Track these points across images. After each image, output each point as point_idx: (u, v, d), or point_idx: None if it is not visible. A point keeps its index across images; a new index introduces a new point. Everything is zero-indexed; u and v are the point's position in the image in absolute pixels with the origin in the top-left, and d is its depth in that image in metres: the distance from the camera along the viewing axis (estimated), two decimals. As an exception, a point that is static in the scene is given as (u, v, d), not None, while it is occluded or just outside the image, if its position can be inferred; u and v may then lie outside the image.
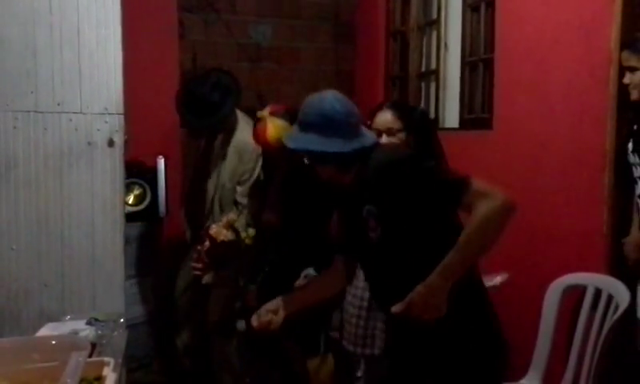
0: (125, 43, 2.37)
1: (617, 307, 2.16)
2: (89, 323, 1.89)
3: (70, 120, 2.33)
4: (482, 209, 1.53)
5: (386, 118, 2.26)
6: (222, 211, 2.85)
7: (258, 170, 2.83)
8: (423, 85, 3.68)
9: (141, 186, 3.25)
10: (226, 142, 2.87)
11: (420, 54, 3.67)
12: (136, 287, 3.21)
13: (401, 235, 1.64)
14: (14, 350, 1.44)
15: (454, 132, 3.23)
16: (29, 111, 2.30)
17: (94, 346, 1.66)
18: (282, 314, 1.82)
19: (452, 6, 3.40)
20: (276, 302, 1.84)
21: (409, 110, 2.39)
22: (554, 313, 2.39)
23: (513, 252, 2.59)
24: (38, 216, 2.33)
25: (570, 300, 2.40)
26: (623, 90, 2.23)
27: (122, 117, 2.38)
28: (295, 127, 1.76)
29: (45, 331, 1.83)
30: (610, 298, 2.22)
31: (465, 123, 3.18)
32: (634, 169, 2.25)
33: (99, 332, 1.82)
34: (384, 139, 2.12)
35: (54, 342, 1.51)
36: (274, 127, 2.56)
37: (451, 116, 3.40)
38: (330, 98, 1.70)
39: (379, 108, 2.36)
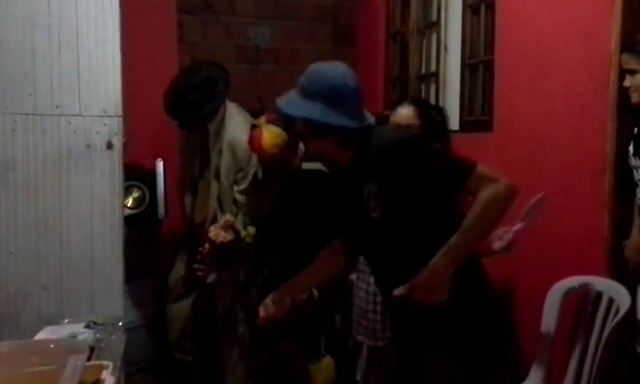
0: (123, 45, 2.37)
1: (617, 310, 2.15)
2: (87, 327, 1.89)
3: (69, 122, 2.33)
4: (486, 192, 1.55)
5: (407, 112, 2.29)
6: (222, 210, 2.84)
7: (253, 168, 2.81)
8: (423, 87, 3.67)
9: (140, 188, 3.24)
10: (218, 136, 2.86)
11: (420, 56, 3.66)
12: (135, 290, 3.19)
13: (401, 216, 1.64)
14: (12, 354, 1.44)
15: (454, 134, 3.19)
16: (27, 114, 2.29)
17: (92, 349, 1.66)
18: (287, 301, 1.84)
19: (452, 7, 3.40)
20: (280, 291, 1.86)
21: (429, 108, 2.40)
22: (555, 316, 2.38)
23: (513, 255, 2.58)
24: (36, 219, 2.33)
25: (571, 303, 2.39)
26: (623, 93, 2.23)
27: (120, 119, 2.38)
28: (294, 92, 1.69)
29: (43, 335, 1.82)
30: (611, 300, 2.21)
31: (465, 125, 3.17)
32: (634, 172, 2.24)
33: (98, 335, 1.82)
34: None
35: (52, 346, 1.51)
36: (270, 135, 2.56)
37: (451, 118, 3.38)
38: (341, 70, 1.66)
39: (400, 101, 2.38)
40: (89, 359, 1.51)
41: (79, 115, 2.34)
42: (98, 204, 2.37)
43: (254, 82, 3.79)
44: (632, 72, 2.16)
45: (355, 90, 1.66)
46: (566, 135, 2.52)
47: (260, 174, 2.84)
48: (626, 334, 2.20)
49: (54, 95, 2.31)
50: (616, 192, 2.34)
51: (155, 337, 3.26)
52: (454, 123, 3.34)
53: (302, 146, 2.53)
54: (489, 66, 2.99)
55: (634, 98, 2.17)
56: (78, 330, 1.86)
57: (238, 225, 2.68)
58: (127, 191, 3.09)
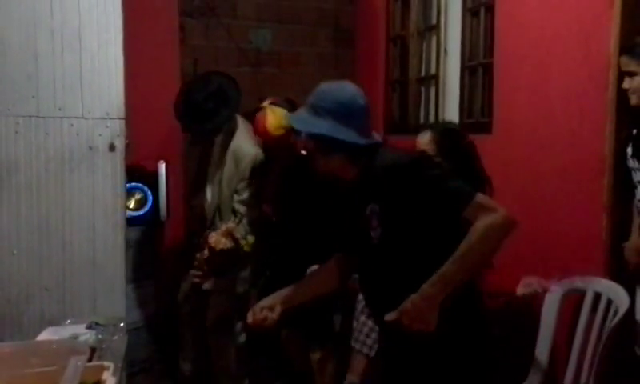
0: (126, 48, 2.38)
1: (616, 311, 2.16)
2: (89, 327, 1.90)
3: (72, 125, 2.34)
4: (483, 223, 1.53)
5: (423, 139, 2.39)
6: (221, 218, 2.84)
7: (255, 180, 2.82)
8: (423, 89, 3.69)
9: (142, 190, 3.25)
10: (224, 147, 2.87)
11: (420, 59, 3.68)
12: (137, 291, 3.21)
13: (400, 237, 1.64)
14: (14, 355, 1.45)
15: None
16: (30, 116, 2.31)
17: (93, 350, 1.67)
18: (278, 310, 1.80)
19: (452, 10, 3.41)
20: (272, 299, 1.83)
21: (443, 134, 2.41)
22: (554, 317, 2.39)
23: (513, 257, 2.59)
24: (39, 221, 2.34)
25: (570, 304, 2.40)
26: (622, 95, 2.23)
27: (123, 121, 2.39)
28: (304, 110, 1.72)
29: (45, 335, 1.83)
30: (610, 302, 2.22)
31: (464, 128, 3.18)
32: (633, 173, 2.25)
33: (99, 336, 1.83)
34: None
35: (53, 347, 1.52)
36: (274, 115, 2.59)
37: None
38: (350, 88, 1.70)
39: (424, 126, 2.42)
40: (90, 360, 1.52)
41: (82, 117, 2.35)
42: (100, 206, 2.38)
43: (255, 84, 3.81)
44: (631, 74, 2.17)
45: (364, 107, 1.68)
46: (565, 137, 2.53)
47: (259, 183, 2.84)
48: (625, 336, 2.21)
49: (56, 97, 2.32)
50: (615, 194, 2.34)
51: (157, 338, 3.28)
52: (453, 125, 3.35)
53: None
54: (488, 69, 3.00)
55: (633, 100, 2.18)
56: (79, 331, 1.87)
57: (238, 233, 2.69)
58: (129, 193, 3.10)
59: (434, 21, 3.54)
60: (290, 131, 2.54)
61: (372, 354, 2.52)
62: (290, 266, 2.70)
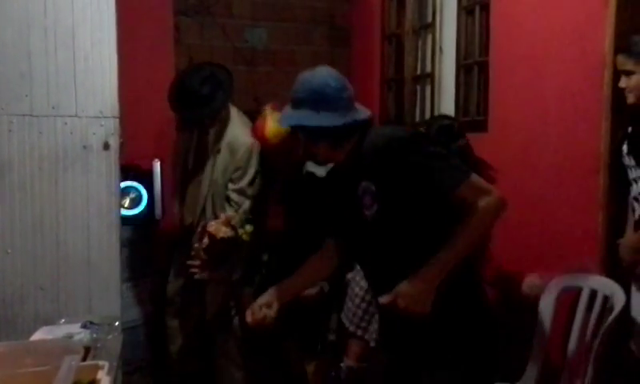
0: (120, 46, 2.37)
1: (612, 308, 2.16)
2: (84, 326, 1.89)
3: (65, 123, 2.33)
4: (477, 205, 1.55)
5: None
6: (215, 208, 2.84)
7: (252, 168, 2.81)
8: (418, 88, 3.68)
9: (136, 189, 3.25)
10: (219, 137, 2.86)
11: (415, 57, 3.68)
12: (133, 290, 3.20)
13: (397, 214, 1.63)
14: (7, 355, 1.44)
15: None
16: (24, 115, 2.30)
17: (88, 349, 1.66)
18: (275, 306, 1.80)
19: (447, 9, 3.41)
20: (268, 295, 1.82)
21: (438, 131, 2.40)
22: (550, 314, 2.39)
23: (508, 254, 2.59)
24: (33, 220, 2.33)
25: (566, 301, 2.41)
26: (618, 93, 2.24)
27: (117, 120, 2.38)
28: (287, 107, 1.74)
29: (39, 335, 1.82)
30: (606, 299, 2.22)
31: (460, 126, 3.18)
32: (628, 171, 2.25)
33: (94, 335, 1.82)
34: None
35: (47, 346, 1.51)
36: (274, 122, 2.58)
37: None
38: (321, 73, 1.69)
39: (420, 124, 2.41)
40: (85, 359, 1.52)
41: (75, 116, 2.34)
42: (94, 205, 2.37)
43: (250, 83, 3.80)
44: (628, 73, 2.17)
45: (339, 88, 1.66)
46: (561, 135, 2.53)
47: (259, 175, 2.83)
48: (621, 332, 2.21)
49: (50, 96, 2.31)
50: (610, 191, 2.35)
51: (153, 337, 3.27)
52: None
53: None
54: (484, 67, 3.01)
55: (630, 99, 2.18)
56: (74, 330, 1.86)
57: (236, 222, 2.69)
58: (124, 192, 3.09)
59: (429, 19, 3.54)
60: (288, 138, 2.55)
61: (372, 343, 2.52)
62: (287, 263, 2.70)
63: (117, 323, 1.96)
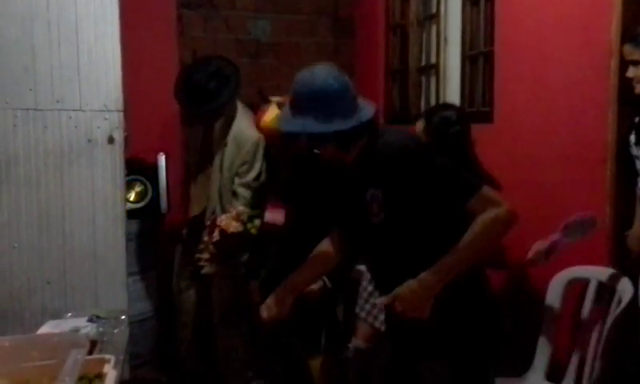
0: (123, 40, 2.37)
1: (620, 300, 2.15)
2: (90, 320, 1.90)
3: (70, 117, 2.34)
4: (487, 215, 1.53)
5: (418, 126, 2.39)
6: (222, 202, 2.84)
7: (259, 162, 2.81)
8: (423, 79, 3.67)
9: (142, 182, 3.25)
10: (225, 131, 2.86)
11: (420, 48, 3.65)
12: (139, 284, 3.21)
13: (405, 224, 1.62)
14: (14, 348, 1.45)
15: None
16: (28, 109, 2.30)
17: (94, 343, 1.67)
18: (289, 301, 1.81)
19: (452, -1, 3.39)
20: (280, 291, 1.83)
21: (435, 125, 2.37)
22: (557, 306, 2.38)
23: (515, 246, 2.58)
24: (39, 214, 2.34)
25: (573, 293, 2.39)
26: (624, 83, 2.21)
27: (121, 114, 2.38)
28: (287, 109, 1.67)
29: (46, 329, 1.83)
30: (613, 291, 2.21)
31: (465, 117, 3.16)
32: (636, 161, 2.23)
33: (100, 329, 1.83)
34: None
35: (53, 340, 1.51)
36: (271, 115, 2.58)
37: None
38: (322, 74, 1.59)
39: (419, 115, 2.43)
40: (91, 353, 1.52)
41: (80, 110, 2.34)
42: (100, 198, 2.38)
43: (254, 75, 3.79)
44: (635, 63, 2.14)
45: (340, 89, 1.59)
46: (567, 126, 2.51)
47: (264, 169, 2.83)
48: (629, 324, 2.20)
49: (54, 90, 2.31)
50: (617, 182, 2.33)
51: (159, 330, 3.28)
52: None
53: None
54: (489, 58, 2.98)
55: (638, 89, 2.16)
56: (80, 324, 1.87)
57: (244, 217, 2.69)
58: (130, 185, 3.10)
59: (433, 9, 3.51)
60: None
61: (382, 327, 2.52)
62: (293, 256, 2.69)
63: (123, 317, 1.97)
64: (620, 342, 2.18)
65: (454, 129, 2.34)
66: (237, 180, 2.82)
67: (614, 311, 2.14)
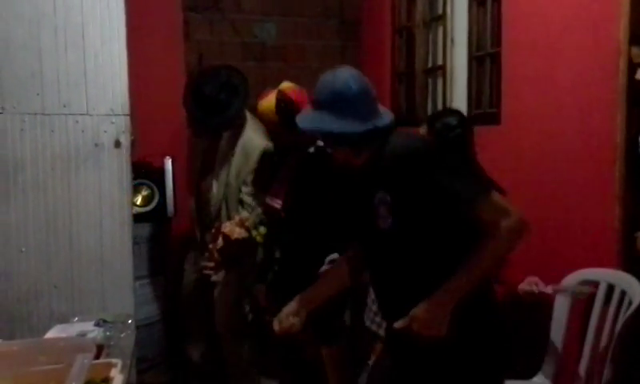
0: (130, 44, 2.37)
1: (630, 303, 2.13)
2: (97, 324, 1.90)
3: (77, 122, 2.35)
4: (499, 230, 1.50)
5: (421, 131, 2.41)
6: (228, 210, 2.84)
7: (266, 172, 2.81)
8: (430, 80, 3.65)
9: (149, 186, 3.26)
10: (234, 140, 2.86)
11: (426, 50, 3.64)
12: (146, 287, 3.21)
13: (413, 228, 1.59)
14: (21, 352, 1.45)
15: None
16: (35, 113, 2.31)
17: (101, 347, 1.66)
18: (303, 314, 1.78)
19: (458, 0, 3.37)
20: (295, 304, 1.80)
21: (436, 125, 2.39)
22: (566, 309, 2.36)
23: (523, 249, 2.56)
24: (46, 218, 2.35)
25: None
26: (633, 83, 2.20)
27: (128, 118, 2.39)
28: (309, 107, 1.71)
29: (53, 333, 1.83)
30: (623, 293, 2.19)
31: (472, 118, 3.15)
32: (645, 162, 2.21)
33: (107, 333, 1.83)
34: None
35: (60, 344, 1.51)
36: (268, 103, 2.61)
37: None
38: (343, 75, 1.63)
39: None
40: (98, 357, 1.52)
41: (87, 114, 2.35)
42: (106, 202, 2.39)
43: (260, 78, 3.78)
44: None
45: (360, 92, 1.61)
46: (575, 126, 2.49)
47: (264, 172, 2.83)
48: (639, 326, 2.18)
49: (61, 94, 2.32)
50: (627, 183, 2.31)
51: (166, 334, 3.28)
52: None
53: None
54: (496, 58, 2.97)
55: None
56: (87, 328, 1.87)
57: (250, 224, 2.69)
58: (136, 189, 3.10)
59: (440, 11, 3.50)
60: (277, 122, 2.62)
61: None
62: (299, 260, 2.69)
63: (130, 321, 1.97)
64: (630, 346, 2.16)
65: (454, 134, 2.34)
66: (244, 189, 2.82)
67: (624, 314, 2.12)
